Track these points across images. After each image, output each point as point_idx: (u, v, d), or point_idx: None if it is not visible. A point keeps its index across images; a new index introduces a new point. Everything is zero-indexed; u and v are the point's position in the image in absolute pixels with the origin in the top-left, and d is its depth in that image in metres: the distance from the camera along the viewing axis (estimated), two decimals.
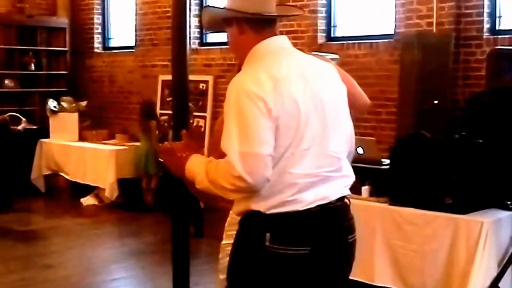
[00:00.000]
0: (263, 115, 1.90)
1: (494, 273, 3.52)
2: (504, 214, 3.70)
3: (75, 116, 7.98)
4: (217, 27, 2.26)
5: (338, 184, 2.08)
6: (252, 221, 2.00)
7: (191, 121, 6.68)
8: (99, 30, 9.01)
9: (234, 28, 2.12)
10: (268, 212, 1.96)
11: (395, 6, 5.89)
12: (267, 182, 1.93)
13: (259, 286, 2.01)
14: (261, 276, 1.99)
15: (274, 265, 1.97)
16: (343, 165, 2.10)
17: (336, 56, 5.51)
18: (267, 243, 1.96)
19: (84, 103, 8.23)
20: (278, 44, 2.11)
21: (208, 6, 2.32)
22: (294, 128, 1.95)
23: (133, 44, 8.46)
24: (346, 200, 2.11)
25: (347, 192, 2.12)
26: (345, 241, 2.09)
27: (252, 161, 1.89)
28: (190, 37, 6.77)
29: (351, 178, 2.15)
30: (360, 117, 2.28)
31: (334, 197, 2.05)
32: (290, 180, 1.96)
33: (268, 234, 1.96)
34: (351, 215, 2.14)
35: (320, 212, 1.99)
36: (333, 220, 2.05)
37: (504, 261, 3.59)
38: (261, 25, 2.10)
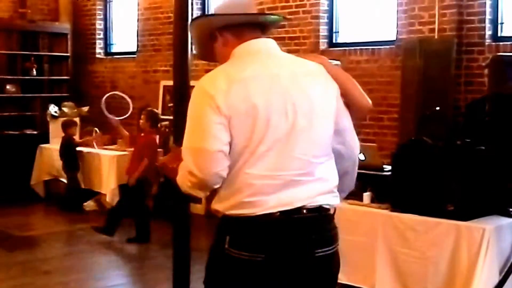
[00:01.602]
0: (213, 112, 1.93)
1: (496, 279, 3.50)
2: (506, 221, 3.68)
3: (76, 121, 7.98)
4: (206, 49, 2.23)
5: (310, 189, 1.98)
6: (219, 222, 2.03)
7: None
8: (101, 36, 9.03)
9: (219, 42, 2.14)
10: (227, 213, 1.97)
11: (397, 12, 5.89)
12: (219, 178, 1.95)
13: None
14: (222, 279, 2.00)
15: (231, 269, 1.97)
16: (318, 169, 2.00)
17: (338, 63, 5.52)
18: (226, 246, 1.96)
19: (85, 109, 8.23)
20: (255, 46, 2.10)
21: (192, 20, 2.29)
22: (251, 129, 1.94)
23: (135, 49, 8.46)
24: (324, 210, 2.01)
25: (325, 201, 2.01)
26: (311, 254, 1.97)
27: (201, 156, 1.94)
28: (191, 43, 6.78)
29: (329, 182, 2.03)
30: (361, 120, 2.21)
31: (301, 203, 1.96)
32: (246, 181, 1.94)
33: (228, 237, 1.97)
34: (327, 226, 2.03)
35: (281, 220, 1.94)
36: (296, 230, 1.95)
37: (506, 268, 3.57)
38: (242, 29, 2.12)
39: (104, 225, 6.06)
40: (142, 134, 6.28)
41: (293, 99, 2.00)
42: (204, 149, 1.93)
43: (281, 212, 1.94)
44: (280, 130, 1.97)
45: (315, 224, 1.99)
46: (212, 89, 1.96)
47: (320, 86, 2.07)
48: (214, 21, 2.16)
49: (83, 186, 7.48)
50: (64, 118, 7.87)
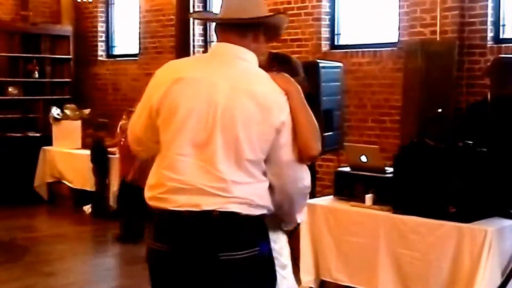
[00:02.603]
0: (148, 101, 2.11)
1: (498, 281, 3.50)
2: (508, 222, 3.68)
3: (78, 123, 7.98)
4: None
5: (221, 200, 1.98)
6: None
7: None
8: (103, 38, 9.05)
9: None
10: (150, 203, 2.08)
11: (399, 14, 5.90)
12: (137, 141, 2.19)
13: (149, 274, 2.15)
14: (148, 268, 2.15)
15: (147, 257, 2.15)
16: (235, 188, 1.98)
17: (340, 64, 5.52)
18: (149, 235, 2.14)
19: (87, 111, 8.24)
20: (215, 49, 2.18)
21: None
22: (169, 128, 2.03)
23: (137, 52, 8.48)
24: (237, 216, 1.98)
25: (239, 209, 1.98)
26: (215, 256, 1.97)
27: (130, 131, 2.22)
28: (193, 45, 6.81)
29: (247, 200, 1.99)
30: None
31: (208, 207, 1.97)
32: (160, 180, 2.04)
33: (151, 227, 2.14)
34: (239, 231, 2.00)
35: (188, 216, 1.98)
36: (200, 229, 1.97)
37: (508, 270, 3.56)
38: (218, 28, 2.17)
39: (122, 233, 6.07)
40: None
41: (218, 112, 1.98)
42: (132, 127, 2.21)
43: (190, 211, 1.98)
44: (197, 138, 1.99)
45: (223, 227, 1.98)
46: (156, 79, 2.13)
47: (256, 111, 1.99)
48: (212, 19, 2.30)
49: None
50: (100, 120, 7.60)
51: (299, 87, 2.13)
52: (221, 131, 1.98)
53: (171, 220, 2.01)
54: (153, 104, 2.07)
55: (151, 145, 2.15)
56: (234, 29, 2.11)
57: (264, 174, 2.06)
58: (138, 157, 5.79)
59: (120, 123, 6.32)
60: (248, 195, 2.01)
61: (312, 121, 2.11)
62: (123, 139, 6.20)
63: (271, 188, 2.08)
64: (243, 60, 2.10)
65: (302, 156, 2.10)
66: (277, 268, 2.22)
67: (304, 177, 2.14)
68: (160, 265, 2.07)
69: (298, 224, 2.46)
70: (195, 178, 1.99)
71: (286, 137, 2.05)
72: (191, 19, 7.01)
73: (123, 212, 6.20)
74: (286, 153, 2.06)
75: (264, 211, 2.07)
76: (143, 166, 5.86)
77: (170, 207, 2.00)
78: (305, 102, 2.11)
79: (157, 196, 2.04)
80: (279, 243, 2.38)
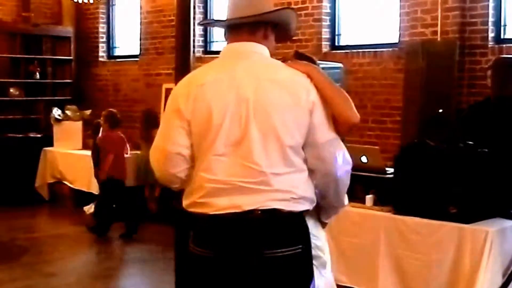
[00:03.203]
0: (175, 115, 2.06)
1: (499, 283, 3.50)
2: (509, 223, 3.67)
3: (79, 124, 7.99)
4: None
5: (262, 197, 1.98)
6: (182, 218, 2.17)
7: None
8: (104, 39, 9.05)
9: None
10: (189, 210, 2.07)
11: (400, 14, 5.89)
12: (176, 179, 2.10)
13: (184, 279, 2.17)
14: (186, 274, 2.12)
15: (189, 262, 2.09)
16: (274, 180, 1.99)
17: (340, 65, 5.51)
18: (190, 240, 2.09)
19: (88, 112, 8.24)
20: (231, 49, 2.16)
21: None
22: (207, 133, 2.01)
23: (137, 53, 8.49)
24: (279, 213, 2.00)
25: (280, 206, 1.99)
26: (259, 254, 1.98)
27: (159, 155, 2.11)
28: (194, 46, 6.80)
29: (288, 193, 2.00)
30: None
31: (250, 207, 1.98)
32: (199, 182, 2.04)
33: (191, 232, 2.10)
34: (281, 228, 2.01)
35: (230, 219, 1.99)
36: (244, 229, 1.98)
37: (509, 271, 3.56)
38: (229, 31, 2.18)
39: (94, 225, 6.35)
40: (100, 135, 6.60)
41: (250, 107, 1.99)
42: (163, 149, 2.08)
43: (231, 213, 1.98)
44: (232, 136, 2.00)
45: (265, 225, 1.99)
46: (177, 92, 2.10)
47: (286, 97, 2.01)
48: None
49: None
50: (96, 121, 7.44)
51: (318, 67, 2.17)
52: (256, 124, 1.98)
53: (213, 225, 2.01)
54: (183, 114, 2.04)
55: (183, 172, 2.09)
56: (244, 28, 2.13)
57: (305, 162, 2.06)
58: (110, 153, 6.27)
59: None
60: (290, 187, 2.00)
61: (341, 92, 2.12)
62: (106, 138, 6.54)
63: (313, 174, 2.08)
64: (256, 53, 2.12)
65: (343, 129, 2.09)
66: (318, 266, 2.24)
67: (344, 153, 2.12)
68: (203, 271, 2.05)
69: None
70: (233, 176, 1.99)
71: (320, 117, 2.05)
72: (191, 19, 7.03)
73: (106, 213, 6.42)
74: (323, 132, 2.05)
75: (307, 206, 2.07)
76: (115, 161, 6.32)
77: (211, 211, 2.00)
78: (328, 77, 2.12)
79: (197, 201, 2.03)
80: (320, 240, 2.37)
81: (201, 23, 5.72)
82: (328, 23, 6.53)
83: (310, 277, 2.11)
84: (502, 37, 5.47)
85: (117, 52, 9.10)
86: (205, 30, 7.78)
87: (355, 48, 6.36)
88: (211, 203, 2.00)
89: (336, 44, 6.57)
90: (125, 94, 8.65)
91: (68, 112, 8.08)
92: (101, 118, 6.57)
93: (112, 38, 9.10)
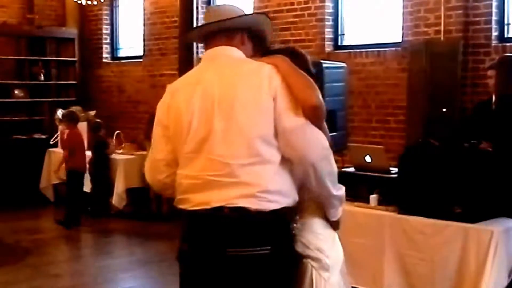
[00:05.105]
0: (158, 126, 2.22)
1: (504, 282, 3.49)
2: None
3: (83, 125, 8.00)
4: None
5: (229, 191, 2.00)
6: None
7: None
8: (108, 40, 9.07)
9: None
10: (177, 207, 2.17)
11: (403, 14, 5.89)
12: (163, 185, 2.24)
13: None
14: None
15: (178, 257, 2.19)
16: (239, 171, 2.00)
17: (343, 65, 5.50)
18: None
19: (93, 113, 8.27)
20: (208, 55, 2.24)
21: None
22: (180, 134, 2.12)
23: (141, 54, 8.50)
24: (246, 212, 1.99)
25: (247, 204, 1.99)
26: (222, 252, 2.00)
27: (148, 164, 2.29)
28: (197, 46, 6.81)
29: (253, 187, 2.00)
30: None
31: (218, 204, 2.00)
32: (179, 180, 2.14)
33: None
34: (247, 228, 2.00)
35: (202, 216, 2.05)
36: (211, 226, 2.03)
37: None
38: (207, 39, 2.24)
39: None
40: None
41: (215, 102, 2.05)
42: (151, 159, 2.26)
43: (203, 209, 2.04)
44: (200, 133, 2.07)
45: (231, 223, 2.00)
46: (159, 105, 2.23)
47: (249, 87, 2.04)
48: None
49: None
50: (95, 121, 7.65)
51: (285, 57, 2.15)
52: (219, 118, 2.03)
53: (189, 220, 2.10)
54: (163, 122, 2.18)
55: (170, 177, 2.21)
56: (220, 34, 2.20)
57: (279, 152, 2.03)
58: (65, 151, 6.75)
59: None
60: (257, 179, 2.00)
61: (305, 78, 2.09)
62: (65, 137, 6.97)
63: (292, 165, 2.05)
64: (225, 55, 2.18)
65: (307, 114, 2.04)
66: (318, 269, 2.19)
67: (317, 138, 2.06)
68: (184, 265, 2.15)
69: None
70: (202, 171, 2.05)
71: (284, 103, 2.03)
72: (194, 20, 7.03)
73: (69, 199, 6.79)
74: (290, 118, 2.03)
75: (280, 204, 2.03)
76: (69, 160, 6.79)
77: (189, 207, 2.09)
78: (296, 68, 2.11)
79: (179, 198, 2.14)
80: (326, 242, 2.27)
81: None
82: (331, 23, 6.52)
83: (285, 279, 2.07)
84: (505, 36, 5.46)
85: (121, 53, 9.12)
86: None
87: (358, 48, 6.36)
88: (189, 199, 2.09)
89: (339, 44, 6.57)
90: (129, 95, 8.67)
91: None
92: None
93: (116, 39, 9.12)
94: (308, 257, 2.22)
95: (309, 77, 2.12)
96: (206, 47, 2.25)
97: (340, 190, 2.19)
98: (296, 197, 2.12)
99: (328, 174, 2.10)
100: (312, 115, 2.05)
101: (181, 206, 2.13)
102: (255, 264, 2.01)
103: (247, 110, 2.02)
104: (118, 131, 7.81)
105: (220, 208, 2.00)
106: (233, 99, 2.03)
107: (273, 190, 2.02)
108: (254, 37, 2.26)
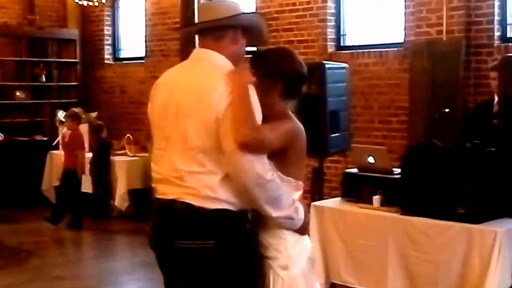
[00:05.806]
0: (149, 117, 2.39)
1: (508, 283, 3.48)
2: None
3: (85, 127, 8.00)
4: None
5: (179, 189, 2.18)
6: None
7: None
8: (110, 42, 9.07)
9: None
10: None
11: (405, 14, 5.88)
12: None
13: None
14: None
15: None
16: (188, 177, 2.15)
17: (346, 65, 5.50)
18: None
19: (94, 114, 8.26)
20: (191, 55, 2.33)
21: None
22: (153, 128, 2.33)
23: (143, 55, 8.50)
24: (195, 207, 2.13)
25: (195, 202, 2.14)
26: (171, 242, 2.18)
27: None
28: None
29: (198, 191, 2.14)
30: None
31: (171, 196, 2.19)
32: (152, 172, 2.32)
33: None
34: (196, 221, 2.14)
35: (160, 204, 2.26)
36: (163, 216, 2.23)
37: None
38: (198, 39, 2.34)
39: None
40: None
41: (175, 110, 2.19)
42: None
43: (162, 198, 2.24)
44: (165, 133, 2.24)
45: (180, 216, 2.16)
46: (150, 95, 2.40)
47: (199, 101, 2.14)
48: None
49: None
50: (96, 122, 7.71)
51: (247, 78, 2.15)
52: (176, 126, 2.18)
53: (154, 207, 2.31)
54: (149, 113, 2.37)
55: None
56: (210, 33, 2.23)
57: (222, 167, 2.13)
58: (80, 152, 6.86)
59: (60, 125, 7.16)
60: (203, 186, 2.14)
61: (247, 110, 2.09)
62: (66, 137, 7.04)
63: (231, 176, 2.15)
64: (203, 59, 2.25)
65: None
66: (275, 268, 2.26)
67: (250, 167, 2.08)
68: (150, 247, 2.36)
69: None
70: (163, 168, 2.24)
71: (225, 126, 2.10)
72: (195, 21, 7.00)
73: (62, 200, 6.89)
74: (229, 142, 2.09)
75: (222, 205, 2.14)
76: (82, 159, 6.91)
77: (157, 195, 2.29)
78: (249, 94, 2.11)
79: (153, 187, 2.32)
80: (284, 242, 2.30)
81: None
82: (333, 23, 6.52)
83: (233, 274, 2.17)
84: (508, 36, 5.45)
85: (122, 55, 9.11)
86: None
87: (361, 48, 6.35)
88: (156, 188, 2.30)
89: (342, 44, 6.56)
90: (131, 96, 8.66)
91: None
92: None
93: (117, 41, 9.12)
94: (267, 257, 2.30)
95: (253, 108, 2.11)
96: (199, 43, 2.33)
97: (282, 211, 2.20)
98: (244, 206, 2.19)
99: (265, 199, 2.15)
100: (241, 148, 2.09)
101: (155, 195, 2.31)
102: (200, 256, 2.14)
103: (195, 123, 2.14)
104: (128, 134, 7.80)
105: (174, 201, 2.18)
106: (187, 110, 2.15)
107: (219, 198, 2.15)
108: (249, 33, 2.29)
